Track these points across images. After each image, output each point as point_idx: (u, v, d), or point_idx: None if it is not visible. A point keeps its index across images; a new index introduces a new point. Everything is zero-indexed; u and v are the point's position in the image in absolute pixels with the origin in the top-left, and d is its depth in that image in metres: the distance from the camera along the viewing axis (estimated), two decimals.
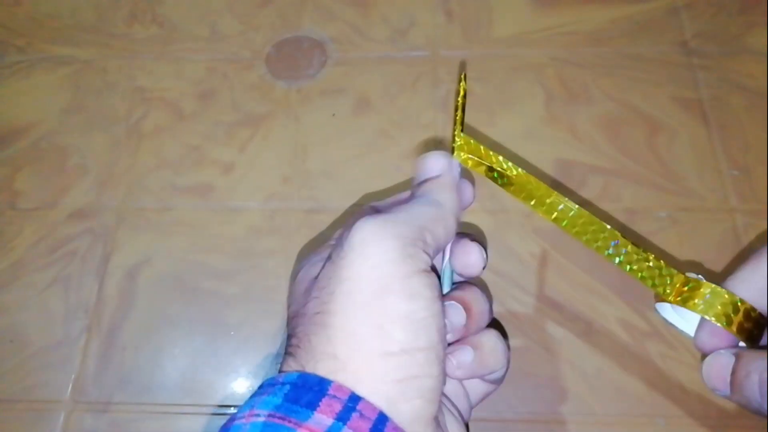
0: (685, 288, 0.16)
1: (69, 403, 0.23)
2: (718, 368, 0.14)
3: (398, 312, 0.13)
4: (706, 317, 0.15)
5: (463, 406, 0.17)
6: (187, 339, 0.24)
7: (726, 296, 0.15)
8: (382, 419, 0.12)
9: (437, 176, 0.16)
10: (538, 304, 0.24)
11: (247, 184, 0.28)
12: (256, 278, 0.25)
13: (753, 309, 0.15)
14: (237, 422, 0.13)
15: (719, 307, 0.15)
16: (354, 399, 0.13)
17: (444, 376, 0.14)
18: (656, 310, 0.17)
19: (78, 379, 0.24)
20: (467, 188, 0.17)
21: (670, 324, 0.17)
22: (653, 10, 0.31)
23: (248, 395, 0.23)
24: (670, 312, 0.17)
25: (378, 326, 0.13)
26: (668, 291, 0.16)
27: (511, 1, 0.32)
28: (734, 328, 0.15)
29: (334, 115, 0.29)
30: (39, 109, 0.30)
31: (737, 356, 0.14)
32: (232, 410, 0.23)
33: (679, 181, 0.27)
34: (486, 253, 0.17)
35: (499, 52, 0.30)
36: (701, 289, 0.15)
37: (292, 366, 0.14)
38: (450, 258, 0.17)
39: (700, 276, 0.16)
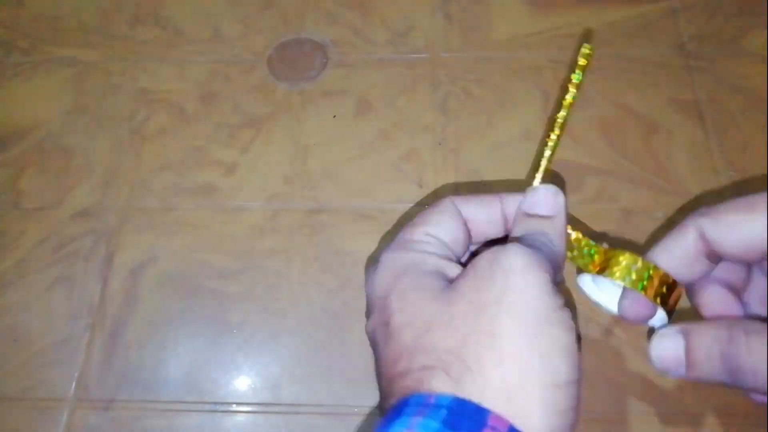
0: (604, 259, 0.16)
1: (72, 401, 0.23)
2: (669, 349, 0.14)
3: (562, 344, 0.13)
4: (622, 284, 0.15)
5: None
6: (189, 337, 0.25)
7: (640, 263, 0.15)
8: None
9: (550, 217, 0.16)
10: None
11: (250, 184, 0.28)
12: (258, 277, 0.26)
13: (666, 275, 0.15)
14: None
15: (634, 274, 0.15)
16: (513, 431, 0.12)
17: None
18: (578, 286, 0.17)
19: (81, 377, 0.24)
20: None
21: (594, 302, 0.17)
22: (650, 13, 0.31)
23: (250, 393, 0.23)
24: (590, 286, 0.17)
25: (546, 356, 0.13)
26: (588, 264, 0.16)
27: (509, 4, 0.32)
28: (651, 293, 0.15)
29: (335, 116, 0.29)
30: (43, 110, 0.30)
31: (686, 333, 0.14)
32: (234, 407, 0.23)
33: (676, 181, 0.27)
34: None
35: (498, 54, 0.30)
36: (618, 258, 0.15)
37: (445, 383, 0.13)
38: None
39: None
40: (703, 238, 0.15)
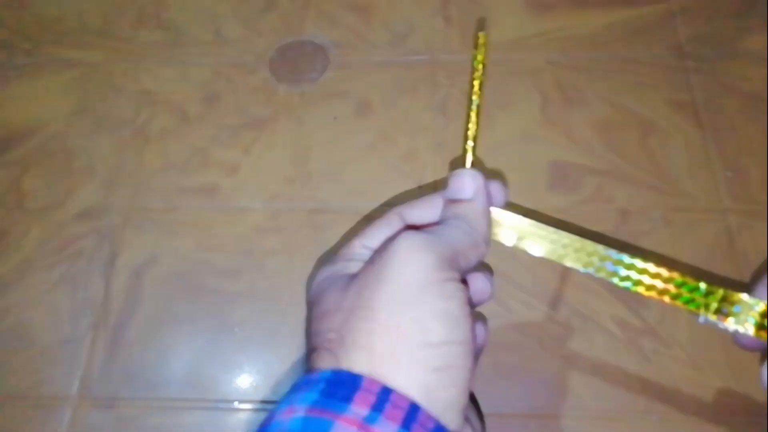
0: (716, 302, 0.16)
1: (76, 399, 0.24)
2: None
3: (437, 308, 0.14)
4: (740, 329, 0.16)
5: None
6: (191, 336, 0.25)
7: (757, 307, 0.15)
8: (414, 408, 0.13)
9: (470, 200, 0.17)
10: (535, 302, 0.25)
11: (251, 185, 0.28)
12: (259, 277, 0.26)
13: None
14: (276, 419, 0.13)
15: (750, 317, 0.15)
16: (386, 391, 0.13)
17: (474, 371, 0.15)
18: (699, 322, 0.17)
19: (85, 376, 0.24)
20: (498, 191, 0.18)
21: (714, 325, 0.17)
22: (648, 15, 0.31)
23: (251, 390, 0.24)
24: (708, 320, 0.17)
25: (419, 320, 0.14)
26: (700, 304, 0.16)
27: (508, 6, 0.32)
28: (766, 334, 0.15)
29: (335, 118, 0.30)
30: (46, 112, 0.31)
31: None
32: (236, 405, 0.24)
33: (673, 182, 0.27)
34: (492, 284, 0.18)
35: (497, 56, 0.31)
36: (732, 301, 0.16)
37: (327, 360, 0.14)
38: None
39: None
40: None
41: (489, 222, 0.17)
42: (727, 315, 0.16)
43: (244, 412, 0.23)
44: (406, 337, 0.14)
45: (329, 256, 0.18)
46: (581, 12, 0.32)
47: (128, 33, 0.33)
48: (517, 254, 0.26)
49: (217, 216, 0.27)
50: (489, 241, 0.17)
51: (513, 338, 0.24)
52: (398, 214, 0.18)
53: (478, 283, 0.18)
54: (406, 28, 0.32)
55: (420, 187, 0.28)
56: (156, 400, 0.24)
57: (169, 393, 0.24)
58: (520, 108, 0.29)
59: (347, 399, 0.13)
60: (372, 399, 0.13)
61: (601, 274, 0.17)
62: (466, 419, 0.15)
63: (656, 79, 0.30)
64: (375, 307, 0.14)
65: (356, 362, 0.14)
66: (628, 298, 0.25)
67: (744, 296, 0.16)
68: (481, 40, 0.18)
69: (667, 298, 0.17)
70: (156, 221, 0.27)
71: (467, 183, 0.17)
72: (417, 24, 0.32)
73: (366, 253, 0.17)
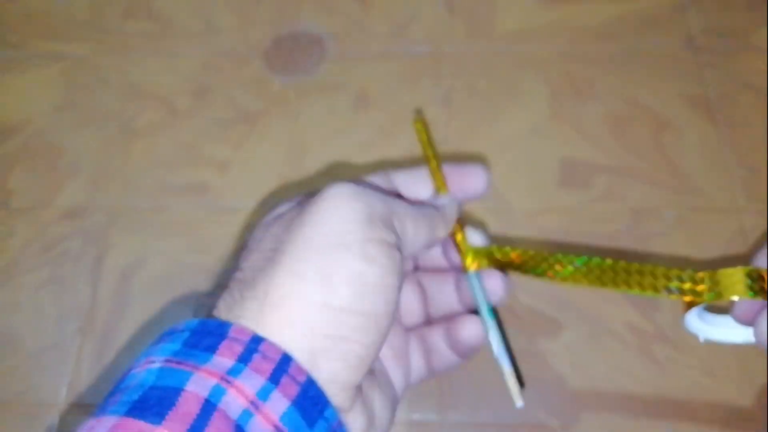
0: (698, 286, 0.15)
1: (63, 406, 0.23)
2: None
3: (350, 270, 0.13)
4: (734, 298, 0.14)
5: (399, 382, 0.17)
6: None
7: (737, 272, 0.14)
8: (285, 359, 0.12)
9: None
10: (543, 306, 0.24)
11: (244, 182, 0.27)
12: None
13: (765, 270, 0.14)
14: (132, 371, 0.12)
15: (738, 284, 0.14)
16: (256, 340, 0.12)
17: (379, 349, 0.13)
18: (687, 329, 0.17)
19: (72, 382, 0.23)
20: (480, 176, 0.17)
21: (708, 340, 0.17)
22: (660, 6, 0.30)
23: None
24: (699, 324, 0.17)
25: (326, 276, 0.13)
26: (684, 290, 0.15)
27: None
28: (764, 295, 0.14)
29: (333, 112, 0.29)
30: (31, 107, 0.30)
31: None
32: None
33: (687, 180, 0.26)
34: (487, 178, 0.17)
35: (503, 47, 0.30)
36: (725, 278, 0.15)
37: (225, 298, 0.13)
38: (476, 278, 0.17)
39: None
40: None
41: (451, 220, 0.17)
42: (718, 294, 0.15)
43: None
44: (306, 290, 0.12)
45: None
46: (591, 2, 0.30)
47: (116, 24, 0.32)
48: None
49: (207, 216, 0.26)
50: (445, 229, 0.16)
51: (520, 344, 0.23)
52: (386, 175, 0.17)
53: (465, 330, 0.16)
54: (407, 18, 0.31)
55: None
56: None
57: None
58: (527, 102, 0.28)
59: (211, 349, 0.12)
60: (239, 349, 0.12)
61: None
62: (365, 403, 0.14)
63: (668, 72, 0.29)
64: (285, 251, 0.13)
65: (248, 309, 0.13)
66: (641, 302, 0.24)
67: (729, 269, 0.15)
68: (418, 127, 0.18)
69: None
70: (144, 221, 0.26)
71: (442, 199, 0.17)
72: (419, 13, 0.31)
73: None
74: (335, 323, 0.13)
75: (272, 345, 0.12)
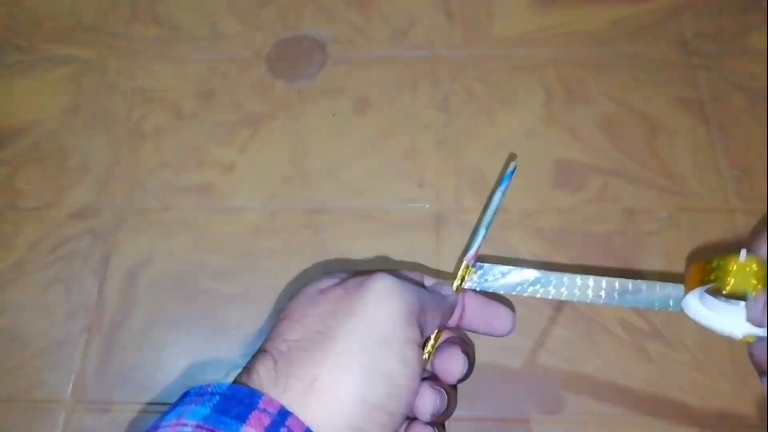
0: (708, 277, 0.15)
1: (69, 403, 0.23)
2: None
3: (388, 369, 0.14)
4: (753, 293, 0.14)
5: None
6: (187, 338, 0.24)
7: (754, 263, 0.14)
8: None
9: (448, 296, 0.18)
10: (538, 304, 0.24)
11: (248, 184, 0.28)
12: (256, 278, 0.25)
13: None
14: (162, 429, 0.13)
15: (754, 279, 0.14)
16: (283, 414, 0.13)
17: None
18: (683, 310, 0.16)
19: (78, 379, 0.24)
20: (505, 315, 0.19)
21: (706, 327, 0.16)
22: (654, 11, 0.31)
23: None
24: (698, 310, 0.16)
25: (369, 373, 0.14)
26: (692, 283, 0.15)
27: (511, 1, 0.31)
28: None
29: (334, 114, 0.29)
30: (40, 109, 0.30)
31: None
32: None
33: (679, 181, 0.27)
34: (472, 360, 0.18)
35: (500, 51, 0.30)
36: (726, 266, 0.14)
37: (267, 366, 0.14)
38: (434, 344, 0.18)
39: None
40: None
41: (454, 308, 0.18)
42: (719, 285, 0.14)
43: None
44: (351, 385, 0.14)
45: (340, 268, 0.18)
46: (586, 7, 0.31)
47: (123, 29, 0.32)
48: (521, 255, 0.25)
49: (212, 216, 0.27)
50: (453, 309, 0.18)
51: (515, 342, 0.24)
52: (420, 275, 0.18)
53: (452, 362, 0.17)
54: (406, 23, 0.31)
55: (421, 186, 0.27)
56: (151, 404, 0.23)
57: (164, 396, 0.23)
58: (523, 105, 0.29)
59: (241, 418, 0.13)
60: (267, 421, 0.13)
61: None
62: None
63: (662, 76, 0.29)
64: (334, 339, 0.14)
65: (293, 387, 0.14)
66: None
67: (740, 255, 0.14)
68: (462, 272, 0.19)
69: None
70: (150, 221, 0.27)
71: (446, 290, 0.18)
72: (418, 18, 0.31)
73: None
74: (367, 418, 0.14)
75: (298, 420, 0.13)
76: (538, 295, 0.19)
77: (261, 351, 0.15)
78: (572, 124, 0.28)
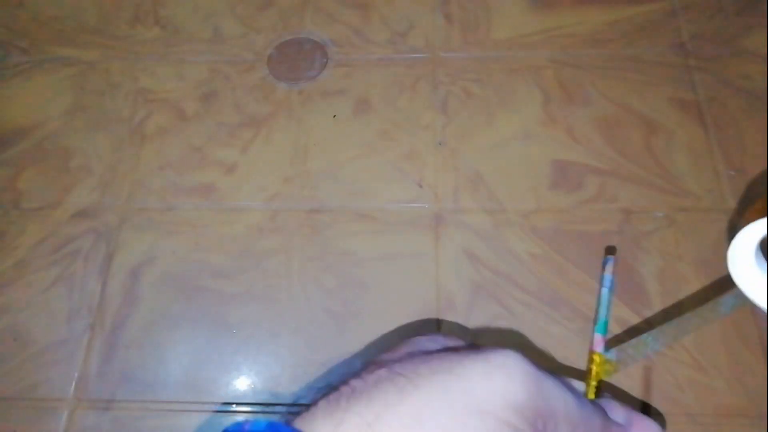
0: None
1: (72, 401, 0.23)
2: None
3: None
4: None
5: None
6: (189, 337, 0.25)
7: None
8: None
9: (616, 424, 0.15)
10: (537, 303, 0.24)
11: (249, 184, 0.28)
12: (257, 277, 0.26)
13: None
14: None
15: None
16: None
17: None
18: (730, 272, 0.15)
19: (81, 377, 0.24)
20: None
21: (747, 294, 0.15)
22: (651, 13, 0.31)
23: (249, 392, 0.23)
24: (748, 258, 0.15)
25: None
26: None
27: (509, 4, 0.32)
28: None
29: (335, 116, 0.29)
30: (42, 110, 0.30)
31: None
32: (234, 407, 0.23)
33: (676, 181, 0.27)
34: None
35: (498, 53, 0.30)
36: None
37: (330, 399, 0.13)
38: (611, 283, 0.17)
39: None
40: None
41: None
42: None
43: (242, 415, 0.23)
44: None
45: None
46: (583, 9, 0.31)
47: (125, 31, 0.33)
48: (518, 255, 0.26)
49: (214, 216, 0.27)
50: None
51: (514, 340, 0.24)
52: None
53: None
54: (405, 26, 0.32)
55: (420, 187, 0.27)
56: (153, 402, 0.23)
57: (167, 395, 0.24)
58: (521, 106, 0.29)
59: None
60: None
61: None
62: None
63: (659, 77, 0.29)
64: (420, 386, 0.12)
65: (347, 421, 0.12)
66: (630, 298, 0.24)
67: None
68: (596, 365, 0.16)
69: None
70: (153, 221, 0.27)
71: (621, 413, 0.15)
72: (417, 21, 0.32)
73: None
74: None
75: None
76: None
77: (333, 388, 0.13)
78: (570, 125, 0.29)
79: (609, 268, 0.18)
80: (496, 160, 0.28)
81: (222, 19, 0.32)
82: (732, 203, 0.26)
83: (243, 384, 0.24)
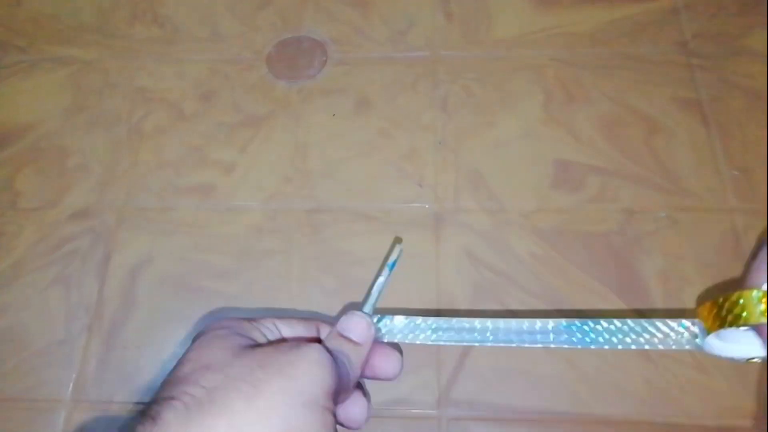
0: (715, 311, 0.16)
1: (70, 402, 0.23)
2: None
3: (311, 428, 0.15)
4: (757, 322, 0.16)
5: None
6: (187, 338, 0.24)
7: (761, 293, 0.15)
8: None
9: (358, 344, 0.18)
10: (538, 303, 0.24)
11: (248, 184, 0.28)
12: (256, 278, 0.26)
13: None
14: None
15: (762, 304, 0.15)
16: None
17: None
18: (706, 351, 0.18)
19: (79, 378, 0.24)
20: (394, 360, 0.20)
21: (729, 358, 0.18)
22: (653, 11, 0.31)
23: None
24: (718, 345, 0.18)
25: (291, 428, 0.15)
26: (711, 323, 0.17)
27: (509, 2, 0.32)
28: None
29: (334, 115, 0.29)
30: (40, 109, 0.30)
31: None
32: None
33: (678, 181, 0.27)
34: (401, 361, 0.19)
35: (499, 52, 0.30)
36: (733, 300, 0.16)
37: (177, 415, 0.14)
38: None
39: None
40: None
41: (363, 367, 0.19)
42: (729, 321, 0.16)
43: None
44: None
45: (234, 316, 0.19)
46: (584, 8, 0.31)
47: (123, 30, 0.32)
48: (519, 255, 0.25)
49: (213, 216, 0.27)
50: (357, 379, 0.18)
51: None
52: (316, 325, 0.19)
53: (356, 408, 0.18)
54: (405, 24, 0.31)
55: (420, 186, 0.27)
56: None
57: None
58: (522, 105, 0.29)
59: None
60: None
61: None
62: None
63: (661, 76, 0.29)
64: (263, 392, 0.15)
65: (213, 427, 0.14)
66: (632, 298, 0.24)
67: (746, 292, 0.16)
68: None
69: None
70: (151, 221, 0.27)
71: (362, 329, 0.19)
72: (417, 19, 0.31)
73: (274, 332, 0.18)
74: None
75: None
76: (444, 342, 0.20)
77: (167, 398, 0.15)
78: (571, 125, 0.28)
79: (395, 254, 0.21)
80: (496, 160, 0.28)
81: (221, 18, 0.32)
82: (734, 203, 0.26)
83: None
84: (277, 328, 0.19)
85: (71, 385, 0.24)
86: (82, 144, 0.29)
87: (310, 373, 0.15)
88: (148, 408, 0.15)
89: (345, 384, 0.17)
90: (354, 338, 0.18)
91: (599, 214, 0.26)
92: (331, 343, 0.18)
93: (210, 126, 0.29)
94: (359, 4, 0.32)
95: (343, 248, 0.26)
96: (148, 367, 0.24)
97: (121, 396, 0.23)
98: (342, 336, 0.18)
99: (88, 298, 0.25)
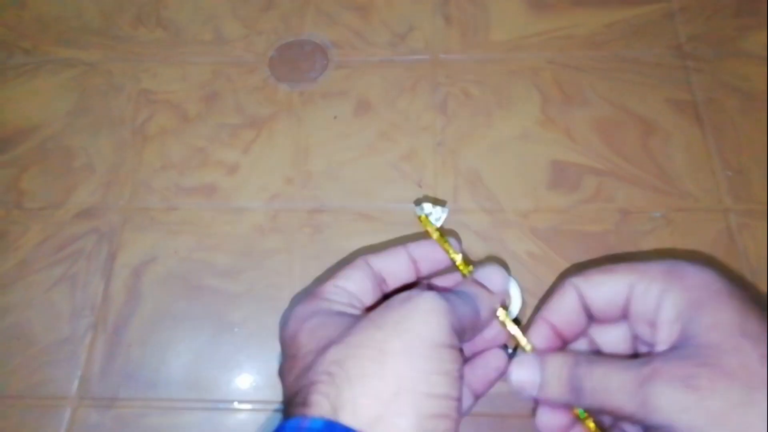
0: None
1: (75, 400, 0.24)
2: (526, 374, 0.18)
3: (443, 368, 0.16)
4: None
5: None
6: (191, 336, 0.25)
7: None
8: None
9: (494, 294, 0.20)
10: (535, 302, 0.25)
11: (251, 184, 0.28)
12: (259, 276, 0.26)
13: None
14: None
15: None
16: None
17: (459, 422, 0.17)
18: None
19: (84, 376, 0.24)
20: (499, 276, 0.21)
21: None
22: (648, 14, 0.31)
23: (251, 390, 0.24)
24: None
25: (425, 373, 0.16)
26: None
27: (508, 6, 0.32)
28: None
29: (335, 117, 0.30)
30: (45, 111, 0.31)
31: (542, 358, 0.18)
32: (236, 405, 0.24)
33: (674, 181, 0.27)
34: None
35: (497, 55, 0.31)
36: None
37: (330, 393, 0.15)
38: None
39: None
40: (579, 295, 0.18)
41: (493, 317, 0.20)
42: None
43: (244, 413, 0.23)
44: (413, 385, 0.15)
45: (302, 295, 0.19)
46: (581, 12, 0.32)
47: (127, 32, 0.33)
48: (517, 254, 0.26)
49: (216, 216, 0.27)
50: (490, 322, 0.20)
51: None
52: (365, 261, 0.20)
53: (492, 359, 0.20)
54: (405, 28, 0.32)
55: (420, 187, 0.28)
56: (155, 401, 0.24)
57: (169, 393, 0.24)
58: (519, 107, 0.29)
59: None
60: None
61: None
62: None
63: (656, 78, 0.30)
64: (388, 351, 0.15)
65: (361, 404, 0.15)
66: None
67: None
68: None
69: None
70: (155, 221, 0.27)
71: (500, 280, 0.20)
72: (417, 23, 0.32)
73: (341, 293, 0.19)
74: (439, 406, 0.16)
75: None
76: None
77: (307, 384, 0.16)
78: (568, 126, 0.29)
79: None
80: (494, 161, 0.28)
81: (223, 21, 0.33)
82: (729, 203, 0.27)
83: (245, 382, 0.24)
84: (340, 286, 0.19)
85: (76, 382, 0.24)
86: (87, 145, 0.30)
87: (424, 321, 0.16)
88: (292, 399, 0.16)
89: (470, 322, 0.18)
90: (490, 288, 0.20)
91: (596, 214, 0.26)
92: (466, 287, 0.19)
93: (213, 127, 0.30)
94: (360, 8, 0.33)
95: (344, 247, 0.26)
96: (152, 365, 0.24)
97: (125, 393, 0.24)
98: (477, 283, 0.20)
99: (93, 296, 0.26)
